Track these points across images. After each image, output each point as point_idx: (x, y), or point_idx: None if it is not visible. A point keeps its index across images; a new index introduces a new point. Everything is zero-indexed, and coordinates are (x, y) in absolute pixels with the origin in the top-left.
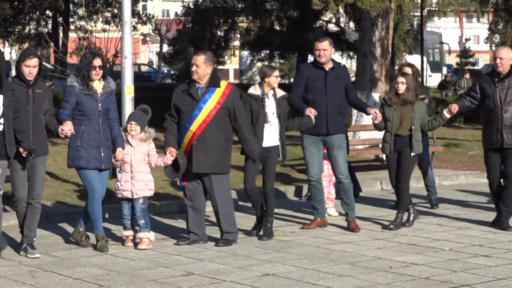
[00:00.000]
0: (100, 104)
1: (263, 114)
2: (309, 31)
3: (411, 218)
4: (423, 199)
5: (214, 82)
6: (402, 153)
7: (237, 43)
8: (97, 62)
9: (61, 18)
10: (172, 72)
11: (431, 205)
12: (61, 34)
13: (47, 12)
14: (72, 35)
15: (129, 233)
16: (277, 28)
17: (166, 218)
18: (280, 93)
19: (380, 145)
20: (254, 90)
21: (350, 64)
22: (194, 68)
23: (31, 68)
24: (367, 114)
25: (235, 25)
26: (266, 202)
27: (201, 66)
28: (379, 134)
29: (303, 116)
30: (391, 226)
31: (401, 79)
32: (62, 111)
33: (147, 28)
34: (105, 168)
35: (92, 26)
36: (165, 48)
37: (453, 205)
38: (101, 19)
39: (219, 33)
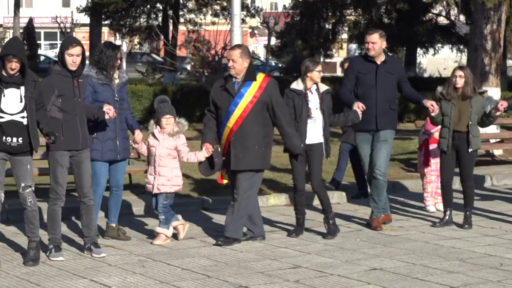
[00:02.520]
0: (116, 94)
1: (306, 110)
2: (418, 24)
3: (445, 220)
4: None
5: (250, 76)
6: (461, 151)
7: (345, 36)
8: (119, 54)
9: (171, 11)
10: (280, 65)
11: None
12: (171, 27)
13: (158, 5)
14: (181, 28)
15: (164, 231)
16: (386, 21)
17: (273, 211)
18: (323, 87)
19: (492, 140)
20: (297, 85)
21: (460, 57)
22: (230, 63)
23: (74, 57)
24: (424, 106)
25: (343, 18)
26: (320, 201)
27: (238, 61)
28: (489, 129)
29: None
30: (466, 226)
31: (459, 72)
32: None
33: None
34: (120, 159)
35: (201, 19)
36: (273, 41)
37: None
38: (210, 12)
39: (327, 26)
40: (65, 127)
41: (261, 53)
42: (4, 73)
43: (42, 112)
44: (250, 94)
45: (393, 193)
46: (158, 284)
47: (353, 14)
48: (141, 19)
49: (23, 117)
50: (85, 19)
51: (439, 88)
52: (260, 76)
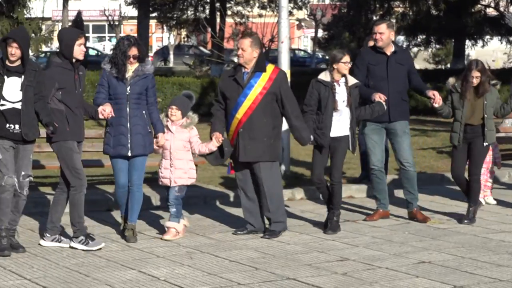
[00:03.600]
0: (128, 88)
1: (332, 102)
2: (467, 15)
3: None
4: None
5: (260, 66)
6: (473, 143)
7: None
8: (133, 51)
9: (218, 4)
10: (327, 57)
11: None
12: (218, 20)
13: None
14: (229, 20)
15: (174, 225)
16: (434, 12)
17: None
18: (352, 81)
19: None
20: (325, 76)
21: (510, 49)
22: (240, 52)
23: (83, 46)
24: (427, 97)
25: (391, 10)
26: (332, 195)
27: (247, 50)
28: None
29: (371, 102)
30: (465, 221)
31: (476, 73)
32: (97, 95)
33: (302, 13)
34: (134, 155)
35: (248, 11)
36: (320, 33)
37: None
38: (257, 4)
39: (374, 17)
40: (70, 118)
41: (308, 45)
42: (8, 62)
43: (41, 103)
44: (260, 85)
45: (441, 185)
46: (206, 275)
47: (401, 6)
48: (189, 12)
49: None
50: (133, 12)
51: (451, 80)
52: (270, 67)
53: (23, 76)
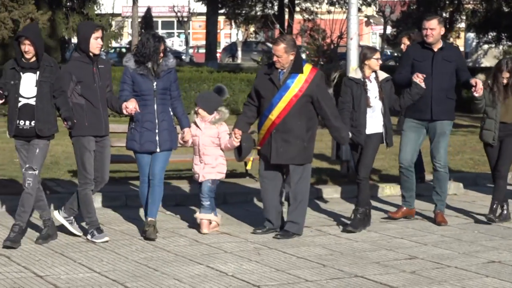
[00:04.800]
0: (155, 84)
1: (365, 99)
2: None
3: (503, 215)
4: None
5: (296, 67)
6: (505, 142)
7: (462, 25)
8: (162, 47)
9: (287, 0)
10: (396, 54)
11: None
12: (286, 16)
13: None
14: (297, 16)
15: (208, 217)
16: (505, 9)
17: (389, 201)
18: (383, 75)
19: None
20: (355, 73)
21: None
22: (275, 58)
23: (99, 39)
24: (470, 86)
25: (461, 7)
26: (358, 192)
27: (283, 56)
28: None
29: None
30: (496, 220)
31: (506, 74)
32: (121, 92)
33: (371, 10)
34: (161, 151)
35: (317, 8)
36: (389, 30)
37: None
38: (326, 1)
39: (444, 14)
40: (88, 112)
41: (377, 42)
42: (22, 59)
43: (62, 98)
44: (296, 87)
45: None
46: (274, 271)
47: (471, 2)
48: (257, 8)
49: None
50: (201, 8)
51: (481, 77)
52: (307, 68)
53: (38, 72)
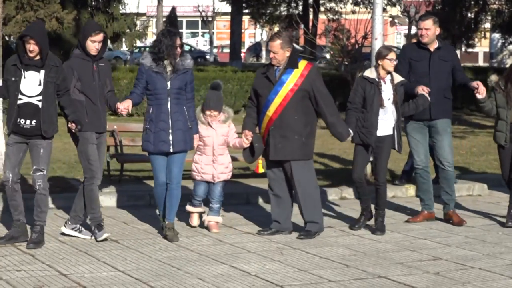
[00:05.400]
0: (169, 83)
1: (378, 99)
2: None
3: None
4: None
5: (291, 63)
6: None
7: (487, 25)
8: (179, 41)
9: (311, 0)
10: None
11: None
12: (311, 16)
13: None
14: (321, 16)
15: (197, 209)
16: None
17: (412, 201)
18: (398, 78)
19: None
20: (370, 73)
21: None
22: (272, 55)
23: (97, 43)
24: (471, 89)
25: (486, 7)
26: (377, 195)
27: (279, 52)
28: None
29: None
30: (510, 223)
31: None
32: (133, 89)
33: (396, 10)
34: (175, 152)
35: (341, 8)
36: (414, 30)
37: None
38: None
39: (469, 14)
40: (89, 109)
41: (401, 42)
42: (25, 56)
43: (67, 98)
44: (291, 81)
45: None
46: (297, 271)
47: (496, 2)
48: (282, 8)
49: (39, 100)
50: (226, 7)
51: (493, 77)
52: (302, 63)
53: (42, 71)
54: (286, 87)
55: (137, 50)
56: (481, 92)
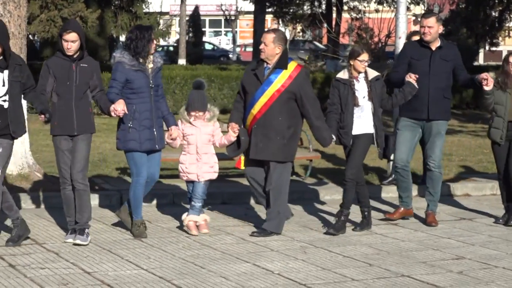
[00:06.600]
0: (151, 81)
1: (352, 99)
2: None
3: None
4: None
5: (281, 63)
6: None
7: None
8: (153, 36)
9: None
10: None
11: None
12: (334, 15)
13: None
14: (345, 15)
15: (195, 218)
16: None
17: None
18: (372, 74)
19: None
20: (343, 74)
21: None
22: (262, 46)
23: (69, 43)
24: (478, 83)
25: (510, 5)
26: (344, 193)
27: (269, 45)
28: None
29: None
30: (500, 220)
31: None
32: (110, 89)
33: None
34: (158, 149)
35: (365, 7)
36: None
37: None
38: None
39: (493, 13)
40: (59, 111)
41: None
42: None
43: (32, 93)
44: (278, 82)
45: None
46: (320, 270)
47: None
48: (305, 7)
49: (4, 101)
50: (249, 6)
51: (491, 74)
52: (292, 65)
53: (6, 71)
54: (273, 87)
55: (160, 49)
56: (489, 84)
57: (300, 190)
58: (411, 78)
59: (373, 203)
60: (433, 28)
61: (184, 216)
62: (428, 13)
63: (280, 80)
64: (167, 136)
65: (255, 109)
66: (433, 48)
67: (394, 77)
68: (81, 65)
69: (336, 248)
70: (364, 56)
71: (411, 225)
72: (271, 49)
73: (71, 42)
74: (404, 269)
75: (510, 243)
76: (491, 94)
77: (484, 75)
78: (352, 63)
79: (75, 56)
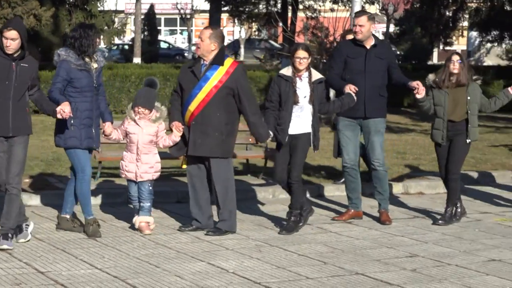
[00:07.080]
0: (95, 80)
1: (293, 97)
2: None
3: (458, 213)
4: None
5: (218, 60)
6: (454, 141)
7: (465, 23)
8: (97, 35)
9: None
10: (398, 52)
11: None
12: (289, 14)
13: None
14: (300, 14)
15: (147, 219)
16: (508, 8)
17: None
18: (316, 76)
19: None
20: (286, 70)
21: None
22: (198, 41)
23: (8, 40)
24: (410, 88)
25: (464, 5)
26: (291, 194)
27: (205, 41)
28: None
29: (342, 94)
30: (440, 222)
31: (456, 57)
32: (53, 87)
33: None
34: (95, 148)
35: (320, 6)
36: (392, 28)
37: None
38: None
39: (447, 13)
40: None
41: None
42: None
43: None
44: (215, 78)
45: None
46: (275, 269)
47: (474, 1)
48: (260, 6)
49: None
50: (204, 5)
51: (431, 76)
52: (228, 61)
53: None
54: (211, 83)
55: (115, 47)
56: (420, 92)
57: (255, 188)
58: (351, 90)
59: (324, 202)
60: (365, 26)
61: (135, 218)
62: (360, 11)
63: (217, 76)
64: (102, 131)
65: (193, 106)
66: (368, 47)
67: (331, 78)
68: (22, 64)
69: (291, 247)
70: (301, 53)
71: (365, 223)
72: (207, 45)
73: (11, 40)
74: (358, 267)
75: (463, 241)
76: (425, 101)
77: (415, 83)
78: (292, 60)
79: (15, 55)
